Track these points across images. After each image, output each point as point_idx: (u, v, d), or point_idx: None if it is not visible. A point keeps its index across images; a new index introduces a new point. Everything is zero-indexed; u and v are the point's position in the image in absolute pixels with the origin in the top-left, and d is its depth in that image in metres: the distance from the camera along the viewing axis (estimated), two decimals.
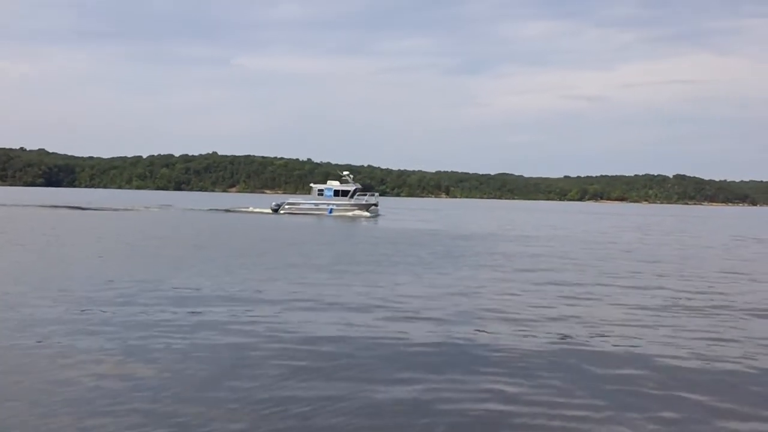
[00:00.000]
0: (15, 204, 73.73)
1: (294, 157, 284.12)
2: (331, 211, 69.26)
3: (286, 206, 72.15)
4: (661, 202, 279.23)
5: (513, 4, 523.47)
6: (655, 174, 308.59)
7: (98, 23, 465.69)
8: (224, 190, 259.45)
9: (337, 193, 70.51)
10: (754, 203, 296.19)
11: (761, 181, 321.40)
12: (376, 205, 73.03)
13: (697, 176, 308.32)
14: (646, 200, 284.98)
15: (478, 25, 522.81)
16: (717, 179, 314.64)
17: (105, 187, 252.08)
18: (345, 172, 76.04)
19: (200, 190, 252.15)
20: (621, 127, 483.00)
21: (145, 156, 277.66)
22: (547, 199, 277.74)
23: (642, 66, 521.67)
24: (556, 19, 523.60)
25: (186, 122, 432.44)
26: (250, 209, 75.70)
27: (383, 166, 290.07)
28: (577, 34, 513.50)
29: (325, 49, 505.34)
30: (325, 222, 58.48)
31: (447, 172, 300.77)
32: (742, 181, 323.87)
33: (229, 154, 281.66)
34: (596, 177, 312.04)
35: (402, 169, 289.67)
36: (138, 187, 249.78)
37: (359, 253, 28.88)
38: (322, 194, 71.30)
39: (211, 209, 77.72)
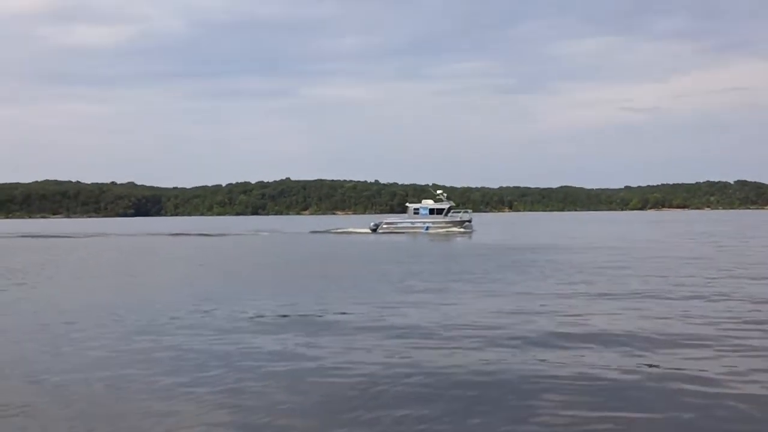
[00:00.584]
0: (134, 234, 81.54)
1: (362, 180, 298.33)
2: (427, 228, 71.57)
3: (384, 226, 74.99)
4: (723, 208, 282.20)
5: (565, 24, 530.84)
6: (716, 180, 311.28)
7: (171, 65, 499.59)
8: (298, 213, 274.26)
9: (432, 211, 73.32)
10: None
11: None
12: (469, 221, 74.98)
13: (758, 181, 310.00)
14: (708, 206, 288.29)
15: (530, 44, 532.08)
16: None
17: (189, 214, 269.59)
18: (439, 191, 79.75)
19: (276, 214, 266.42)
20: (678, 136, 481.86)
21: (224, 184, 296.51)
22: (609, 210, 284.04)
23: (695, 76, 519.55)
24: (608, 35, 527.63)
25: (259, 151, 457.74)
26: (350, 230, 78.32)
27: (447, 184, 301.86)
28: (630, 48, 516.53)
29: (383, 76, 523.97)
30: (425, 239, 59.36)
31: (509, 187, 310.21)
32: None
33: (301, 179, 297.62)
34: (657, 186, 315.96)
35: (465, 186, 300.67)
36: (218, 214, 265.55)
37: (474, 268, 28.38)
38: (417, 213, 74.21)
39: (313, 231, 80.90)
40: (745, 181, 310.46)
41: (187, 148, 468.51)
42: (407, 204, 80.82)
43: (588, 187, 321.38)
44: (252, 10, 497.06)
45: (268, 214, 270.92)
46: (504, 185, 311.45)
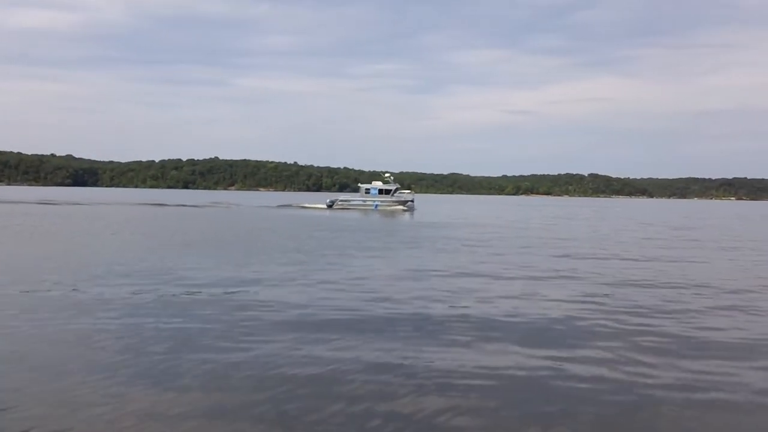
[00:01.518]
0: (103, 203, 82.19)
1: (283, 161, 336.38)
2: (376, 206, 76.23)
3: (340, 202, 79.46)
4: (579, 196, 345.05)
5: (462, 36, 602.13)
6: (574, 173, 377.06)
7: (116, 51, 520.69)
8: (225, 188, 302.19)
9: (381, 191, 78.29)
10: (651, 196, 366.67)
11: (657, 178, 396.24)
12: (412, 201, 79.85)
13: (607, 174, 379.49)
14: (566, 194, 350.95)
15: (434, 52, 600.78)
16: (622, 177, 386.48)
17: (124, 186, 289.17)
18: (387, 174, 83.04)
19: (204, 189, 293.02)
20: (547, 136, 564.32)
21: (157, 160, 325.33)
22: (489, 194, 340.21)
23: (563, 86, 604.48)
24: (496, 48, 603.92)
25: (192, 132, 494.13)
26: (308, 205, 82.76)
27: (357, 168, 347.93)
28: (512, 60, 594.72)
29: (309, 72, 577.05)
30: (375, 216, 63.64)
31: (408, 172, 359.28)
32: (642, 179, 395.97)
33: (228, 158, 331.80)
34: (528, 176, 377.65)
35: (372, 170, 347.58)
36: (151, 187, 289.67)
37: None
38: (368, 192, 78.90)
39: (279, 206, 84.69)
40: (597, 174, 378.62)
41: (126, 127, 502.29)
42: (359, 184, 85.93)
43: (473, 174, 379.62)
44: (193, 6, 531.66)
45: (197, 188, 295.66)
46: (404, 171, 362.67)
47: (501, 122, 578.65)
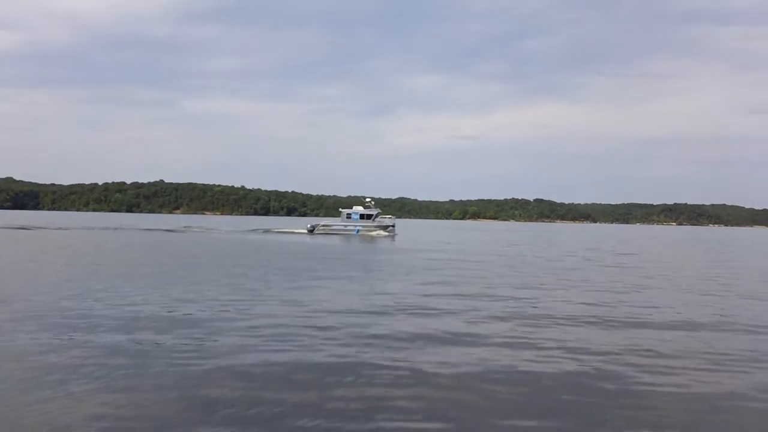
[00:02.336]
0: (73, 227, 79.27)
1: (229, 184, 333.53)
2: (357, 231, 75.40)
3: (321, 228, 78.33)
4: (525, 221, 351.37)
5: (411, 61, 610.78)
6: (520, 198, 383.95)
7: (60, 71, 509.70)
8: (170, 212, 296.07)
9: (362, 216, 77.63)
10: (594, 221, 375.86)
11: (600, 204, 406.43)
12: (393, 226, 79.46)
13: (551, 200, 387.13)
14: (512, 219, 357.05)
15: (382, 76, 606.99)
16: (567, 202, 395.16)
17: (65, 209, 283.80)
18: (368, 199, 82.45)
19: (149, 212, 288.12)
20: (494, 161, 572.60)
21: (100, 183, 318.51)
22: (436, 218, 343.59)
23: (509, 112, 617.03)
24: (444, 73, 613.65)
25: (136, 155, 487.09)
26: (289, 230, 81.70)
27: (305, 192, 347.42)
28: (459, 85, 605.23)
29: (256, 95, 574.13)
30: (356, 241, 62.45)
31: (356, 196, 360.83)
32: (585, 204, 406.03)
33: (173, 181, 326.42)
34: (475, 200, 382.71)
35: (320, 194, 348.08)
36: (94, 210, 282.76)
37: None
38: (350, 217, 78.26)
39: (253, 230, 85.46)
40: (542, 199, 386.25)
41: (68, 148, 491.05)
42: (340, 209, 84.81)
43: (420, 199, 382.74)
44: (139, 27, 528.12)
45: (141, 212, 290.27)
46: (352, 195, 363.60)
47: (448, 147, 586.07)
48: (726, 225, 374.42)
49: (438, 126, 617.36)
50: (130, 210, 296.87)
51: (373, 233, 75.36)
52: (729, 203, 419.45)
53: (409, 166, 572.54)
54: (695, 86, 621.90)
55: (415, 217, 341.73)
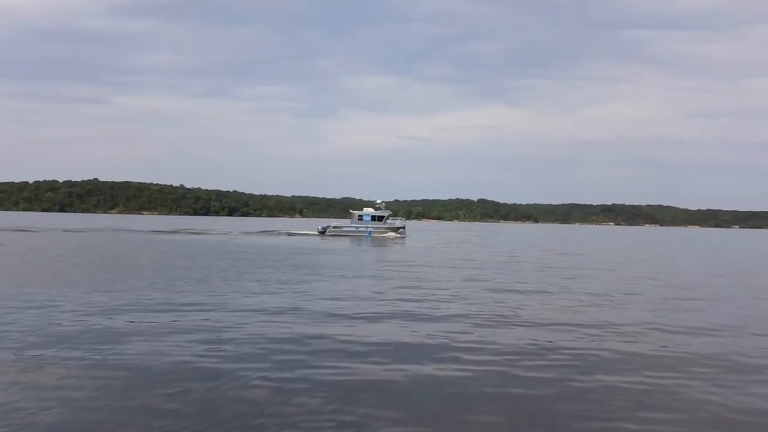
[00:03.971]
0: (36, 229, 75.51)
1: (168, 183, 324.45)
2: (369, 233, 75.43)
3: (332, 229, 77.72)
4: (468, 221, 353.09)
5: (355, 61, 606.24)
6: (464, 198, 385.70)
7: None
8: (105, 212, 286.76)
9: (374, 218, 77.73)
10: (536, 221, 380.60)
11: (542, 204, 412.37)
12: (403, 227, 79.68)
13: (495, 200, 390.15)
14: (457, 219, 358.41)
15: (326, 76, 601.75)
16: (509, 202, 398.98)
17: None
18: (378, 201, 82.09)
19: (83, 212, 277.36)
20: (439, 162, 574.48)
21: (31, 181, 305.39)
22: None
23: (454, 114, 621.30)
24: (388, 75, 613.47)
25: (68, 152, 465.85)
26: (299, 232, 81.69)
27: (247, 192, 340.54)
28: (404, 87, 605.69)
29: (195, 92, 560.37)
30: (367, 244, 60.82)
31: (300, 196, 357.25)
32: (528, 204, 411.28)
33: (109, 180, 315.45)
34: (419, 201, 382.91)
35: (263, 193, 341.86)
36: (24, 209, 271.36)
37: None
38: (361, 219, 78.07)
39: (262, 231, 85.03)
40: (486, 199, 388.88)
41: None
42: (351, 211, 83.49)
43: (365, 199, 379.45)
44: (71, 20, 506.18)
45: (75, 211, 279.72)
46: (296, 195, 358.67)
47: (393, 147, 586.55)
48: (662, 225, 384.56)
49: (383, 127, 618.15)
50: (63, 209, 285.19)
51: (386, 235, 75.32)
52: (665, 204, 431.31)
53: (354, 166, 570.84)
54: (635, 90, 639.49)
55: None
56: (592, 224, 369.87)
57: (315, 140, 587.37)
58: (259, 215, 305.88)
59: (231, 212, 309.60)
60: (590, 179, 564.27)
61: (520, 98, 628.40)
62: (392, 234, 76.19)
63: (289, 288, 22.88)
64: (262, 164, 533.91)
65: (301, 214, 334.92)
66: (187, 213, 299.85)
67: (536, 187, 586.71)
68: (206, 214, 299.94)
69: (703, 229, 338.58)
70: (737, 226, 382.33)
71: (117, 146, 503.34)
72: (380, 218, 77.89)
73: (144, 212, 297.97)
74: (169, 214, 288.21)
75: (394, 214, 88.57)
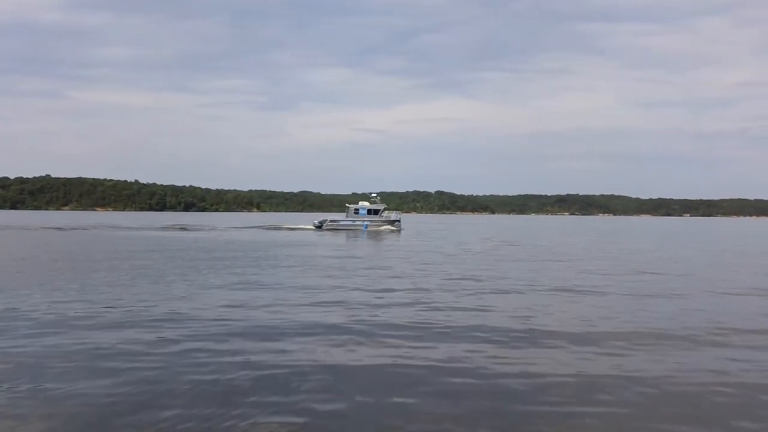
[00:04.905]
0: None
1: (122, 179, 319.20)
2: (366, 227, 75.58)
3: (329, 223, 78.12)
4: (426, 212, 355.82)
5: (313, 54, 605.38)
6: (422, 191, 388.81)
7: None
8: (58, 209, 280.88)
9: (369, 211, 77.96)
10: (493, 212, 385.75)
11: (498, 195, 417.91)
12: (398, 220, 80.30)
13: (452, 192, 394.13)
14: (414, 211, 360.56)
15: (285, 70, 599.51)
16: (467, 194, 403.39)
17: None
18: (373, 194, 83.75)
19: (35, 209, 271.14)
20: (396, 154, 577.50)
21: None
22: (340, 211, 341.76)
23: (413, 107, 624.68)
24: (346, 68, 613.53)
25: (21, 148, 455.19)
26: (296, 226, 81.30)
27: (203, 186, 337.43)
28: (362, 80, 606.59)
29: (151, 86, 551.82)
30: (364, 237, 62.02)
31: (258, 190, 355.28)
32: (484, 195, 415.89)
33: (62, 176, 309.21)
34: (377, 193, 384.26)
35: (219, 188, 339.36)
36: None
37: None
38: (357, 213, 78.15)
39: (258, 226, 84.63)
40: (443, 191, 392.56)
41: None
42: (347, 204, 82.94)
43: (323, 192, 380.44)
44: (25, 13, 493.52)
45: (27, 209, 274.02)
46: (253, 189, 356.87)
47: (351, 140, 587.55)
48: (614, 214, 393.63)
49: (341, 120, 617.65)
50: (14, 207, 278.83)
51: (382, 228, 75.63)
52: (617, 194, 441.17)
53: (312, 159, 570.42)
54: (589, 82, 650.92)
55: (317, 211, 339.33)
56: (547, 214, 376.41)
57: (273, 134, 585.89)
58: (216, 210, 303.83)
59: (187, 207, 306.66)
60: (545, 170, 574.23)
61: (476, 90, 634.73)
62: (388, 227, 76.68)
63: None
64: (219, 159, 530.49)
65: (259, 208, 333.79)
66: (142, 209, 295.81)
67: (492, 178, 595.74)
68: (162, 209, 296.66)
69: (656, 217, 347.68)
70: (688, 215, 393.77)
71: (71, 141, 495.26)
72: (376, 211, 78.31)
73: (98, 209, 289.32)
74: (123, 210, 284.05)
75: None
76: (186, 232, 70.88)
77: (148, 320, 14.94)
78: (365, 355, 11.95)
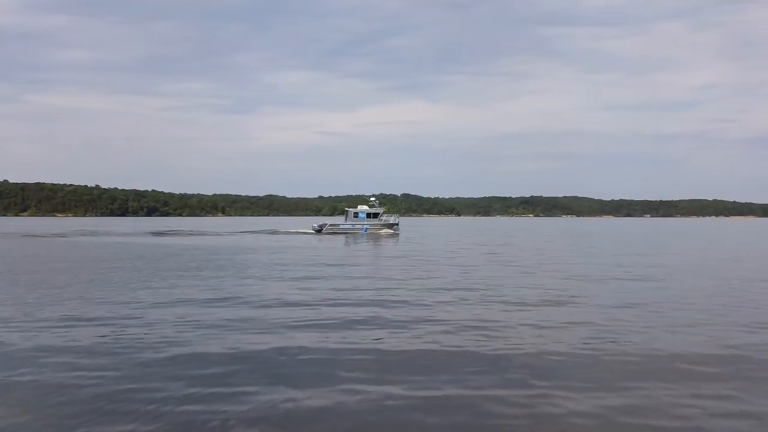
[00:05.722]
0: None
1: (82, 184, 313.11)
2: (365, 230, 76.63)
3: (329, 227, 78.97)
4: (393, 215, 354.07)
5: (276, 57, 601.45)
6: (388, 193, 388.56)
7: None
8: (16, 215, 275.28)
9: (369, 215, 79.40)
10: (459, 214, 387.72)
11: (463, 197, 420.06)
12: (397, 224, 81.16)
13: (418, 194, 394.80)
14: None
15: (247, 72, 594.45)
16: (432, 196, 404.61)
17: None
18: (372, 198, 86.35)
19: None
20: (362, 157, 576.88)
21: None
22: (306, 215, 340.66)
23: (376, 109, 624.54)
24: (309, 70, 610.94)
25: None
26: (296, 230, 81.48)
27: (166, 191, 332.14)
28: (326, 82, 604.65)
29: (111, 89, 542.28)
30: (363, 240, 63.15)
31: (222, 194, 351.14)
32: (450, 198, 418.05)
33: (19, 181, 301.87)
34: (344, 196, 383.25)
35: (183, 192, 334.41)
36: None
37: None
38: (357, 216, 79.64)
39: (259, 231, 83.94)
40: (409, 194, 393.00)
41: None
42: (346, 208, 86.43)
43: (289, 196, 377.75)
44: None
45: None
46: (217, 193, 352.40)
47: (316, 143, 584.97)
48: (578, 215, 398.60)
49: (306, 123, 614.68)
50: None
51: (381, 231, 76.68)
52: (580, 195, 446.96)
53: (277, 163, 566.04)
54: (550, 85, 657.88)
55: (284, 215, 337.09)
56: (512, 216, 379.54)
57: (236, 137, 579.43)
58: (179, 215, 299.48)
59: (150, 212, 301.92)
60: (509, 172, 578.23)
61: (440, 93, 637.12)
62: (387, 230, 77.43)
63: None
64: (182, 162, 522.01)
65: (224, 212, 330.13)
66: (103, 214, 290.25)
67: (458, 180, 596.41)
68: (123, 214, 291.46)
69: (617, 218, 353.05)
70: (648, 215, 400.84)
71: (29, 146, 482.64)
72: (375, 215, 79.76)
73: (58, 214, 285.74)
74: (84, 216, 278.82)
75: (318, 211, 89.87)
76: (193, 237, 69.74)
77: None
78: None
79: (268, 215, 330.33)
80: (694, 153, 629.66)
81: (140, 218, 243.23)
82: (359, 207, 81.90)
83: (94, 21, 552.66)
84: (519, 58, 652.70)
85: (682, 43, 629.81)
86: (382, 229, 77.83)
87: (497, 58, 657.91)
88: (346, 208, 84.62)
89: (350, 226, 78.27)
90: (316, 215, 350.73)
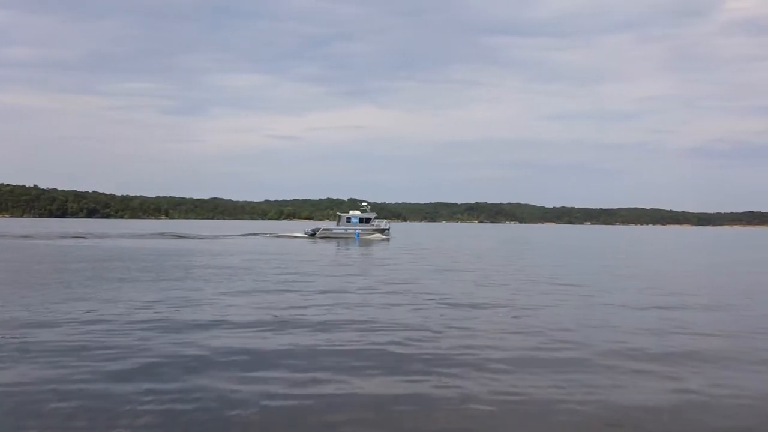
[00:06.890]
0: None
1: (20, 184, 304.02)
2: (358, 235, 77.30)
3: (322, 231, 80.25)
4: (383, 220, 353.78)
5: (225, 59, 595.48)
6: (335, 198, 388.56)
7: None
8: None
9: (361, 220, 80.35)
10: (405, 220, 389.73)
11: (410, 203, 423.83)
12: (388, 229, 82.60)
13: (365, 199, 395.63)
14: (328, 218, 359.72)
15: (195, 73, 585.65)
16: (379, 202, 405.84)
17: None
18: (363, 203, 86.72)
19: None
20: (310, 161, 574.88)
21: None
22: (252, 219, 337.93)
23: (326, 114, 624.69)
24: (260, 73, 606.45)
25: None
26: (288, 234, 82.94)
27: (108, 192, 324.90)
28: (275, 86, 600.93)
29: (52, 87, 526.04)
30: (356, 245, 63.41)
31: (166, 197, 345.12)
32: (396, 203, 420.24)
33: None
34: (290, 200, 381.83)
35: (125, 194, 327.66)
36: None
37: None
38: (349, 221, 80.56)
39: (250, 233, 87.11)
40: (356, 199, 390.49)
41: None
42: (338, 213, 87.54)
43: (235, 199, 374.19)
44: None
45: None
46: (161, 195, 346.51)
47: (264, 147, 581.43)
48: (521, 222, 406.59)
49: (253, 126, 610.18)
50: None
51: (372, 236, 77.52)
52: (523, 202, 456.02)
53: (224, 165, 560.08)
54: (497, 93, 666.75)
55: (229, 218, 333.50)
56: (457, 222, 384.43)
57: (183, 139, 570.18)
58: (121, 217, 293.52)
59: (90, 214, 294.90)
60: (455, 179, 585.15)
61: (390, 99, 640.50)
62: (378, 235, 78.54)
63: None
64: (125, 163, 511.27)
65: (167, 215, 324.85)
66: (42, 215, 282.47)
67: (405, 186, 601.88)
68: (63, 215, 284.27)
69: (558, 225, 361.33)
70: (589, 223, 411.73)
71: None
72: (367, 220, 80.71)
73: None
74: (21, 216, 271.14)
75: (264, 214, 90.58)
76: (191, 240, 69.89)
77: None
78: None
79: (212, 218, 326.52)
80: (634, 163, 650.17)
81: (83, 219, 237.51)
82: (351, 212, 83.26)
83: (38, 17, 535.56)
84: (469, 66, 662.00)
85: (627, 56, 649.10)
86: (374, 233, 78.86)
87: (448, 66, 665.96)
88: (339, 213, 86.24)
89: (343, 231, 79.50)
90: (261, 219, 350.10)
